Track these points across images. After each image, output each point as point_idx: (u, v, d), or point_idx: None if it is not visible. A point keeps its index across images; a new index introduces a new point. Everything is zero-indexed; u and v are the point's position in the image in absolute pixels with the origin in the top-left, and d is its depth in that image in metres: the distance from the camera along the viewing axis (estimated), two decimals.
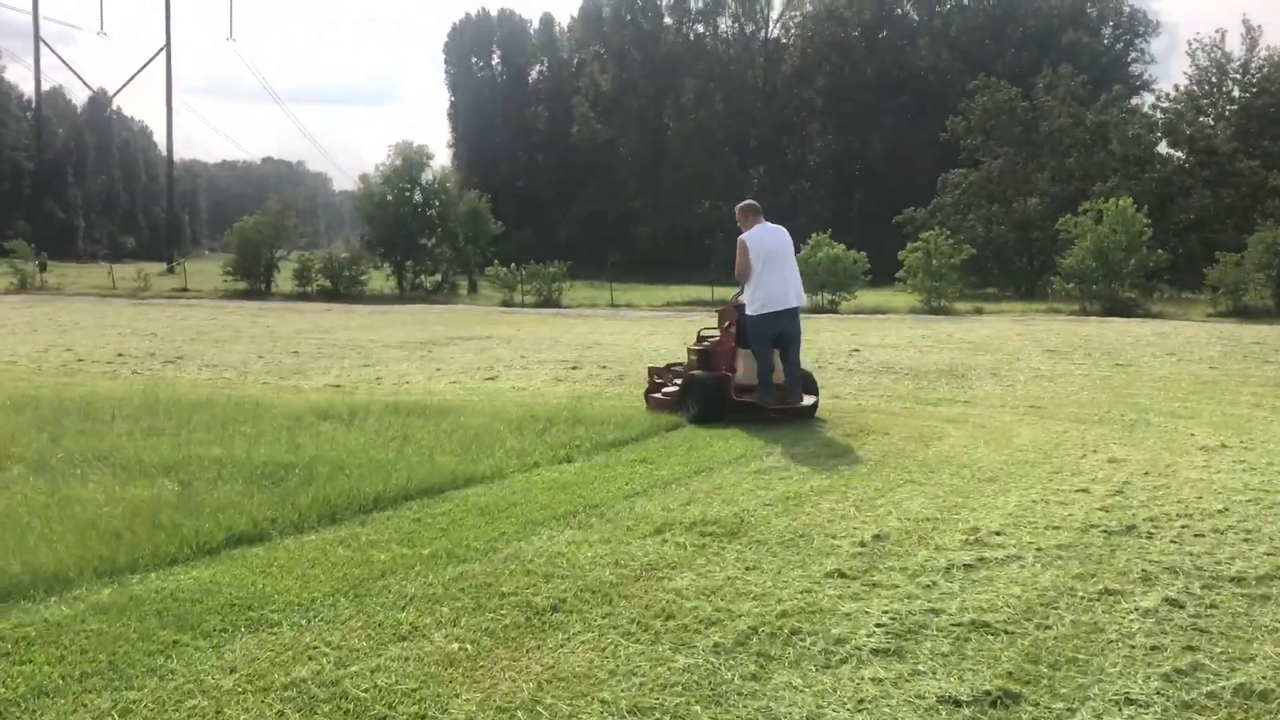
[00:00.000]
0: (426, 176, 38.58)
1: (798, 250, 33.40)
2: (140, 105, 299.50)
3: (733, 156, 68.71)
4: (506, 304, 33.60)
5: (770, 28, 73.21)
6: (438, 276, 39.36)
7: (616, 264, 46.17)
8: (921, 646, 3.99)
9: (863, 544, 5.40)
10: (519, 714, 3.34)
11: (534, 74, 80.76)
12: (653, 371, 10.76)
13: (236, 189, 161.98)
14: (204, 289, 37.71)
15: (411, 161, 38.49)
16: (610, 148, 71.51)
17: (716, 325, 10.31)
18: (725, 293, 35.30)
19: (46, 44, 75.46)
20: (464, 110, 78.08)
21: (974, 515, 6.05)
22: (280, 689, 3.48)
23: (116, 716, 3.29)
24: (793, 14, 71.73)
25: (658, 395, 10.05)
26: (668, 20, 73.04)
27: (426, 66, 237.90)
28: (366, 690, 3.49)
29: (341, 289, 35.54)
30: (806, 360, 13.20)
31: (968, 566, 5.05)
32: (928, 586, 4.74)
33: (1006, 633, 4.17)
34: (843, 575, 4.88)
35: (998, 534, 5.63)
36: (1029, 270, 40.46)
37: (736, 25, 73.08)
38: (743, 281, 9.55)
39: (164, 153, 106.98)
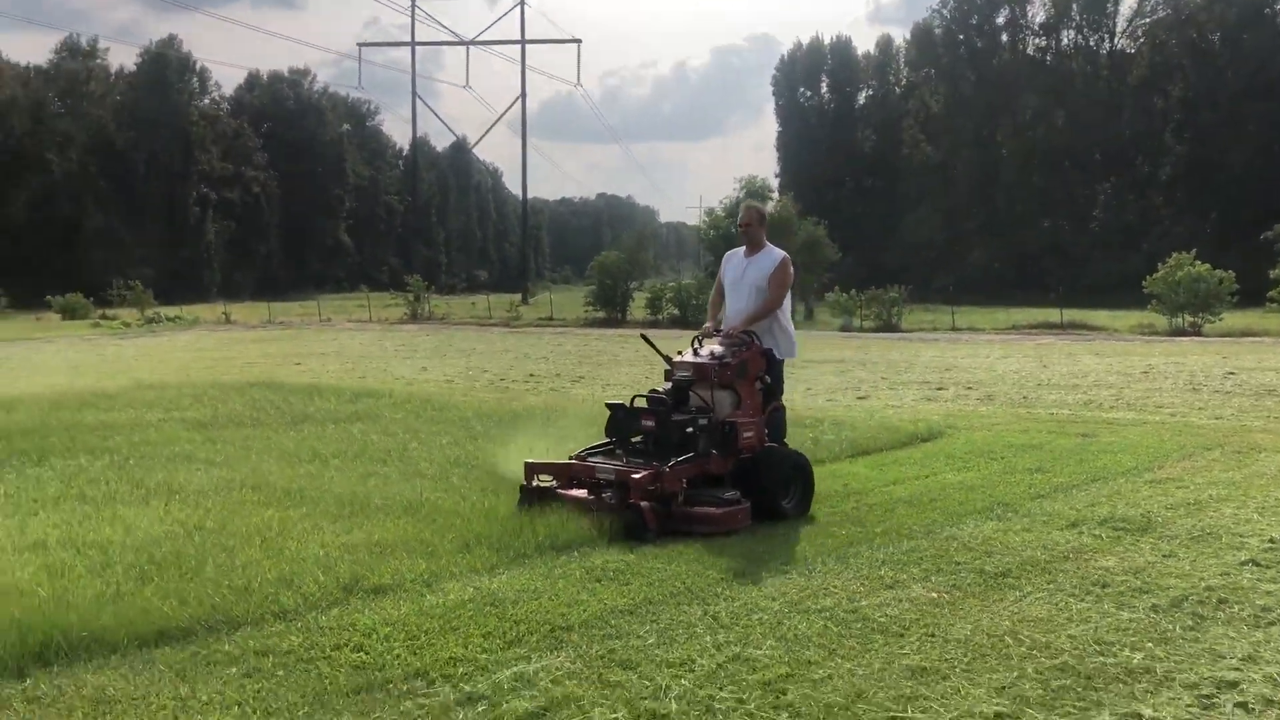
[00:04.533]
0: (767, 208, 40.28)
1: (1155, 269, 31.73)
2: (490, 148, 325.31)
3: (1075, 173, 66.12)
4: (845, 329, 34.51)
5: (1116, 38, 69.82)
6: None
7: (948, 287, 46.04)
8: None
9: (1272, 541, 5.97)
10: (1005, 639, 4.36)
11: (861, 99, 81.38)
12: (536, 468, 6.80)
13: (574, 224, 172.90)
14: (567, 318, 41.35)
15: (754, 194, 40.46)
16: (940, 170, 70.82)
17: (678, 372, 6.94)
18: (1075, 315, 34.41)
19: (422, 99, 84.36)
20: (791, 138, 79.93)
21: None
22: (818, 612, 4.70)
23: (703, 623, 4.61)
24: (1142, 21, 68.11)
25: (574, 493, 6.64)
26: (1004, 37, 71.43)
27: (747, 99, 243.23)
28: (881, 617, 4.64)
29: (689, 317, 37.77)
30: (1162, 381, 12.86)
31: None
32: None
33: None
34: (1258, 565, 5.51)
35: None
36: None
37: (1079, 37, 70.23)
38: (773, 311, 7.36)
39: (512, 192, 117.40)
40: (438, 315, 44.03)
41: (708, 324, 7.49)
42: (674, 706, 3.67)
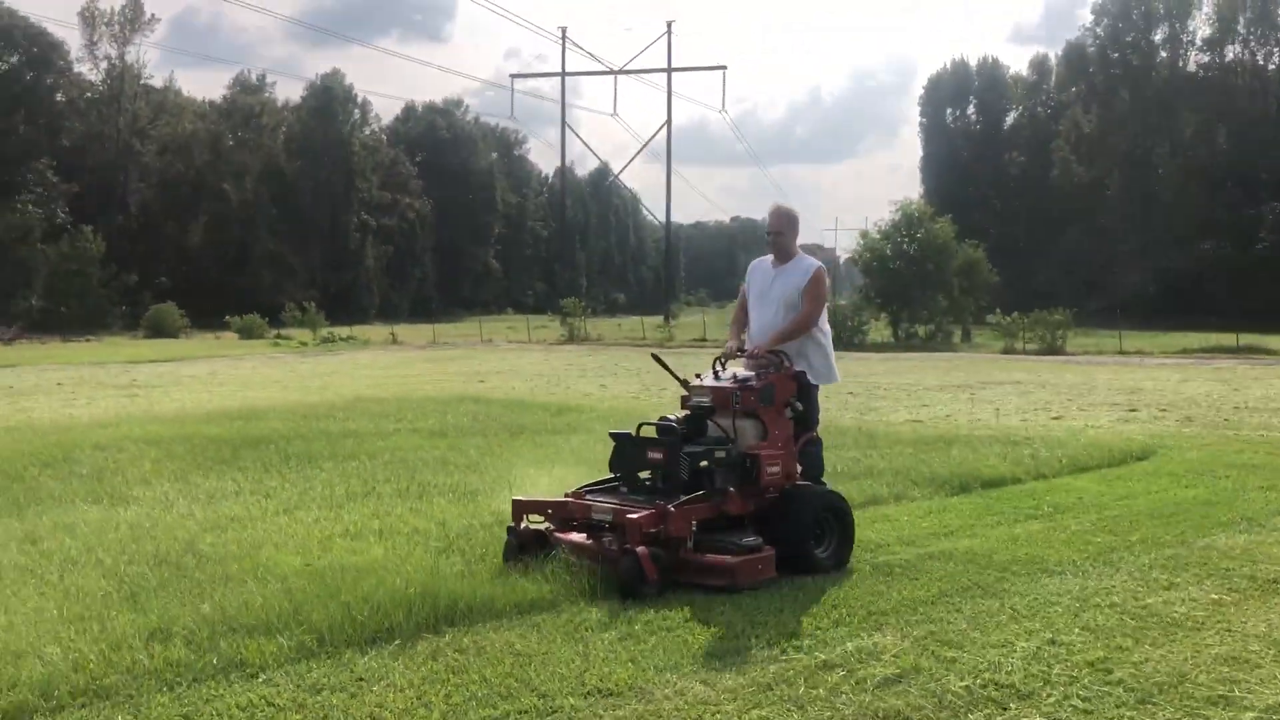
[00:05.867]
0: (921, 232, 40.11)
1: None
2: (629, 172, 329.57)
3: (1239, 194, 63.64)
4: (1007, 351, 34.17)
5: None
6: (931, 326, 40.69)
7: (1116, 310, 45.00)
8: None
9: None
10: None
11: (1010, 119, 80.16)
12: (524, 508, 6.06)
13: (708, 247, 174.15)
14: (719, 339, 41.94)
15: (911, 217, 40.41)
16: (1092, 190, 69.06)
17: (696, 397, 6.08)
18: (1250, 340, 33.25)
19: (572, 129, 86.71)
20: (934, 160, 79.25)
21: None
22: (1110, 607, 5.11)
23: (1005, 613, 5.05)
24: None
25: (572, 537, 5.94)
26: (1163, 54, 69.35)
27: (882, 121, 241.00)
28: (1173, 613, 5.01)
29: (844, 338, 37.93)
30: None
31: None
32: None
33: None
34: None
35: None
36: None
37: (1245, 52, 67.64)
38: (807, 329, 6.48)
39: (648, 217, 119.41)
40: (593, 336, 45.21)
41: (730, 343, 6.61)
42: (1016, 678, 4.14)
